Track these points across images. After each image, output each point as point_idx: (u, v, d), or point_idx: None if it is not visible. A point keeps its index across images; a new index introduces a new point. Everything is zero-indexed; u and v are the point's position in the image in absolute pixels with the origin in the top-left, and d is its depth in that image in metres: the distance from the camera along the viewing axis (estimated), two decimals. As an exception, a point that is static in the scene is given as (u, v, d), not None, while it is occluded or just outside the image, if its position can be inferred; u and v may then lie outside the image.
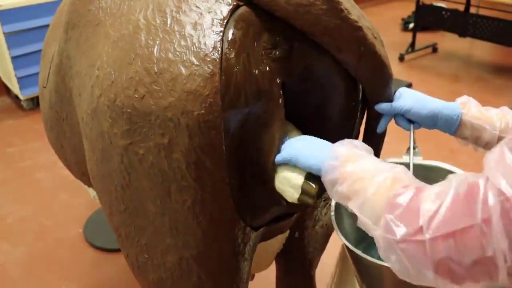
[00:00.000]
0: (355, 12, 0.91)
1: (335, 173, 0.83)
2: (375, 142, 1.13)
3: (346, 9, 0.88)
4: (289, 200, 0.97)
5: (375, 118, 1.08)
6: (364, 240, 1.19)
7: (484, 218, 0.61)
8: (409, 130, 1.06)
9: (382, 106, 1.04)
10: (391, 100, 1.05)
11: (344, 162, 0.83)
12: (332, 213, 1.07)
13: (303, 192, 0.94)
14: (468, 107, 1.05)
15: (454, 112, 1.03)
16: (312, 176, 0.93)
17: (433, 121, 1.03)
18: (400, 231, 0.68)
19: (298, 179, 0.94)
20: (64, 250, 2.30)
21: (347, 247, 1.00)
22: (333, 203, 1.10)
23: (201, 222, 0.93)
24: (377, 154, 1.20)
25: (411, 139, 1.07)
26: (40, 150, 2.96)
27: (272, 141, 0.94)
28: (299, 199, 0.95)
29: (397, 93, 1.06)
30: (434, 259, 0.66)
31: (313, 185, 0.93)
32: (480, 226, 0.61)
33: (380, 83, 1.01)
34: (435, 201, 0.67)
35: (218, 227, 0.95)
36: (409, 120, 1.05)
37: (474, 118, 1.03)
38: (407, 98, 1.04)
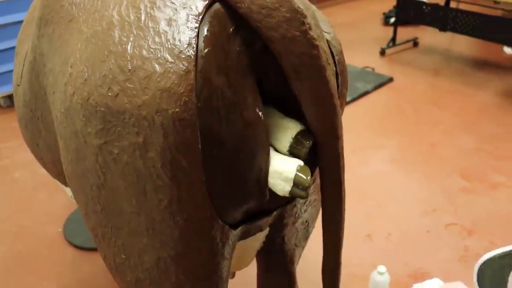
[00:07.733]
0: (316, 32, 0.89)
1: None
2: (333, 198, 1.03)
3: (308, 24, 0.85)
4: (280, 193, 0.96)
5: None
6: None
7: None
8: None
9: None
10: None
11: None
12: None
13: (295, 184, 0.93)
14: None
15: None
16: (303, 168, 0.93)
17: None
18: None
19: (290, 172, 0.94)
20: (44, 249, 2.27)
21: None
22: None
23: (178, 221, 0.92)
24: (339, 213, 1.05)
25: None
26: (18, 149, 2.90)
27: (258, 138, 0.92)
28: (290, 192, 0.94)
29: None
30: None
31: (305, 177, 0.93)
32: None
33: (323, 112, 0.93)
34: None
35: (196, 226, 0.94)
36: None
37: None
38: None
